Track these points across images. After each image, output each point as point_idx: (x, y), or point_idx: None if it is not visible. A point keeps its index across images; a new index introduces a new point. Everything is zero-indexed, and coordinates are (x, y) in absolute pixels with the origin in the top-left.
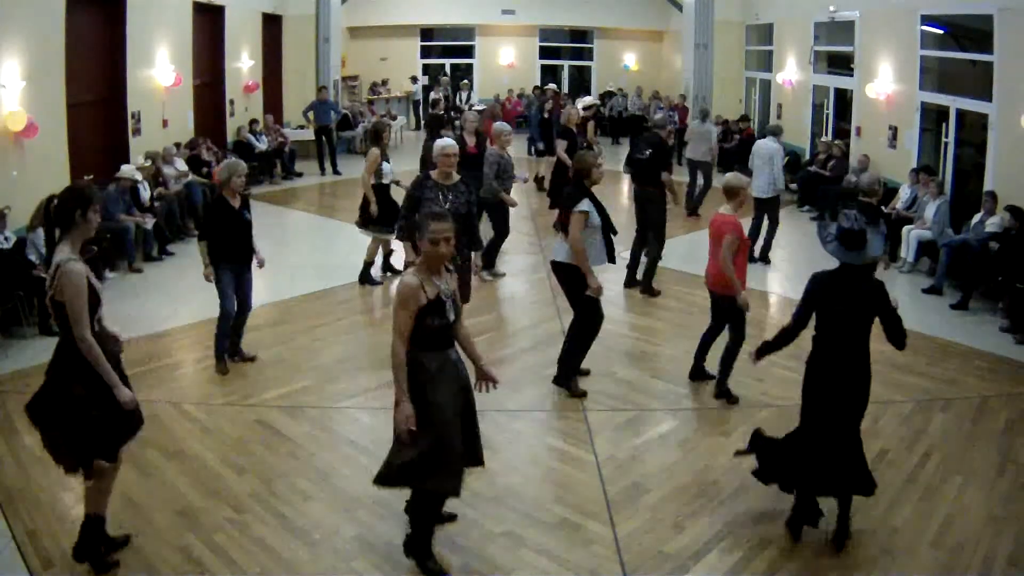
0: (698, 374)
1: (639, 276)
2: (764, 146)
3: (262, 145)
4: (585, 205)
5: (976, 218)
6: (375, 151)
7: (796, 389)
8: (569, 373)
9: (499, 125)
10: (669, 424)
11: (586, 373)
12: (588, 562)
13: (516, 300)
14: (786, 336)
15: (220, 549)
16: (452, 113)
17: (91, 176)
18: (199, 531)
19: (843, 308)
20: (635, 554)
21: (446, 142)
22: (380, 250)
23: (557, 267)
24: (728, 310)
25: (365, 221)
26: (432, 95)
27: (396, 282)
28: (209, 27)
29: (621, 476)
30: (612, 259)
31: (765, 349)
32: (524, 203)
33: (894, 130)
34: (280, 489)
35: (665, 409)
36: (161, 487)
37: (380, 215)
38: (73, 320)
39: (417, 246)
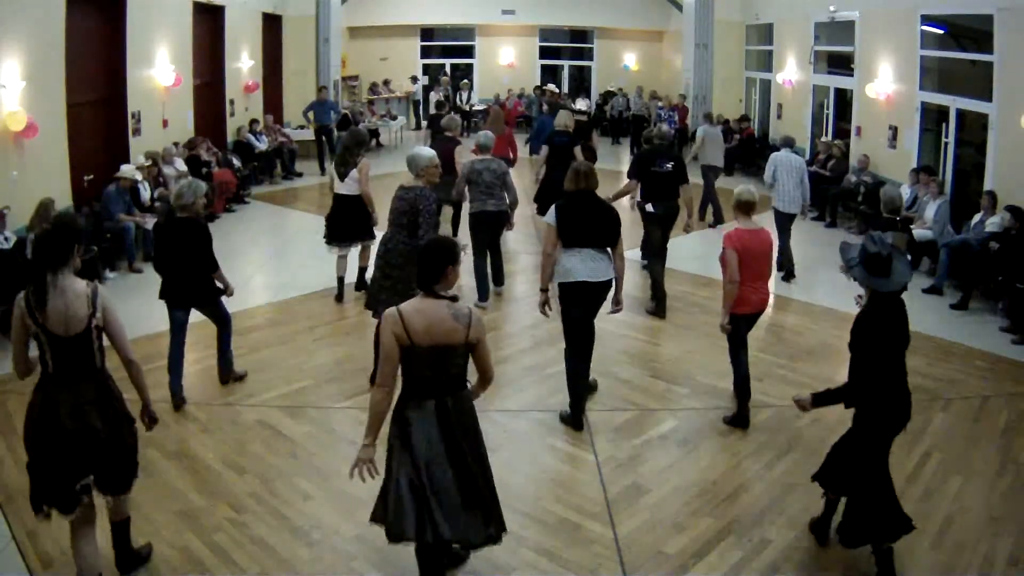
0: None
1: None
2: (789, 160)
3: (262, 145)
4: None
5: (976, 218)
6: (367, 161)
7: (795, 390)
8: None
9: (490, 136)
10: (669, 424)
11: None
12: (588, 562)
13: (516, 300)
14: (846, 396)
15: (220, 549)
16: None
17: (91, 176)
18: (199, 531)
19: (895, 340)
20: (635, 554)
21: (431, 152)
22: (346, 263)
23: (604, 286)
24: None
25: (339, 235)
26: (434, 96)
27: (473, 316)
28: (209, 27)
29: (621, 476)
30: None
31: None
32: (524, 203)
33: (894, 130)
34: (280, 489)
35: (665, 409)
36: (161, 487)
37: (351, 227)
38: (124, 339)
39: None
